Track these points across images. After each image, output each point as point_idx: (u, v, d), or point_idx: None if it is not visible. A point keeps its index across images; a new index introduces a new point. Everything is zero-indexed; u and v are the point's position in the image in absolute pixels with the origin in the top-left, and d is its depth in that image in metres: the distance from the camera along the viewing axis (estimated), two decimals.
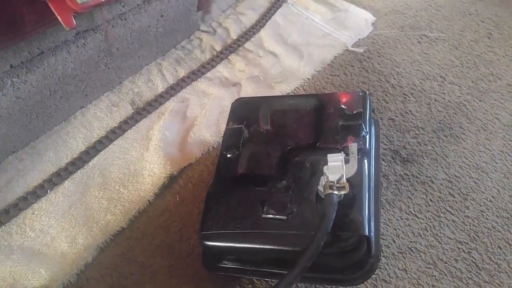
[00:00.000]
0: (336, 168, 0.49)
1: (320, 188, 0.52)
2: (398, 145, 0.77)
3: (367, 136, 0.59)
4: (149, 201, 0.73)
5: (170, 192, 0.74)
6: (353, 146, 0.52)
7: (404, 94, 0.87)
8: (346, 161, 0.51)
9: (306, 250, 0.45)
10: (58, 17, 0.60)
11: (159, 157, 0.77)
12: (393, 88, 0.88)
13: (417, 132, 0.79)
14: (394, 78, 0.90)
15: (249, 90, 0.90)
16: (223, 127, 0.83)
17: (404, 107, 0.84)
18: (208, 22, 1.06)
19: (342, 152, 0.51)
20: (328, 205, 0.47)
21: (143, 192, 0.73)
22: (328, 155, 0.51)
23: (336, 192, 0.48)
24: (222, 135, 0.80)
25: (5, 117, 0.71)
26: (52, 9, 0.60)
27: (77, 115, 0.85)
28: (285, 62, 0.97)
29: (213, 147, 0.80)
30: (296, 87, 0.91)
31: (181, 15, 0.96)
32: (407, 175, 0.73)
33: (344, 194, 0.49)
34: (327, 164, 0.51)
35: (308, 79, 0.92)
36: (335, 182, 0.49)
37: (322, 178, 0.52)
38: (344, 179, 0.49)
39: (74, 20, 0.62)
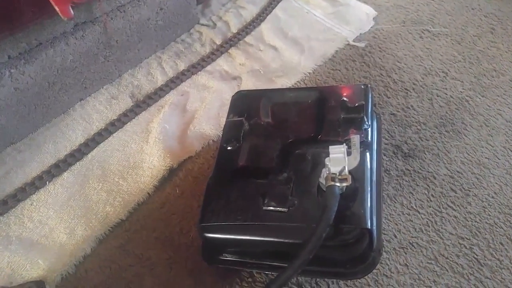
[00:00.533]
0: (338, 160, 0.49)
1: (322, 180, 0.51)
2: (399, 140, 0.77)
3: (369, 129, 0.59)
4: (148, 193, 0.72)
5: (170, 184, 0.74)
6: (355, 138, 0.51)
7: (405, 89, 0.86)
8: (348, 153, 0.50)
9: (307, 242, 0.44)
10: (56, 7, 0.59)
11: (159, 150, 0.76)
12: (395, 83, 0.88)
13: (419, 127, 0.79)
14: (396, 73, 0.90)
15: (249, 84, 0.90)
16: (223, 120, 0.82)
17: (406, 102, 0.84)
18: (208, 15, 1.05)
19: (344, 144, 0.51)
20: (330, 197, 0.47)
21: (143, 185, 0.72)
22: (330, 146, 0.50)
23: (338, 184, 0.48)
24: (222, 128, 0.81)
25: (4, 108, 0.71)
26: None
27: (76, 107, 0.84)
28: (286, 56, 0.96)
29: (213, 140, 0.80)
30: (297, 81, 0.90)
31: (181, 8, 0.95)
32: (408, 170, 0.72)
33: (346, 186, 0.49)
34: (328, 156, 0.51)
35: (309, 73, 0.92)
36: (337, 174, 0.48)
37: (323, 170, 0.52)
38: (346, 171, 0.48)
39: (71, 10, 0.61)
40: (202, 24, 1.03)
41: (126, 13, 0.81)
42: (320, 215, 0.46)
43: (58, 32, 0.72)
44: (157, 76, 0.91)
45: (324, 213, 0.45)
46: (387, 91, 0.86)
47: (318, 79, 0.91)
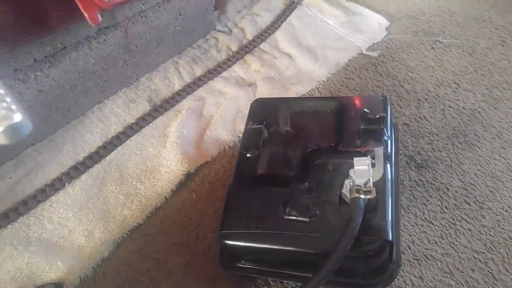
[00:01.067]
0: (362, 172, 0.49)
1: (345, 191, 0.52)
2: (412, 151, 0.77)
3: (389, 141, 0.59)
4: (165, 197, 0.73)
5: (187, 189, 0.74)
6: (379, 151, 0.52)
7: (418, 99, 0.87)
8: (372, 165, 0.51)
9: (332, 253, 0.45)
10: (85, 14, 0.61)
11: (176, 154, 0.77)
12: (407, 93, 0.89)
13: (432, 138, 0.79)
14: (408, 83, 0.90)
15: (264, 91, 0.91)
16: (239, 126, 0.83)
17: (419, 113, 0.84)
18: (224, 22, 1.06)
19: (369, 156, 0.52)
20: (355, 209, 0.48)
21: (160, 189, 0.73)
22: (354, 158, 0.51)
23: (362, 196, 0.48)
24: (238, 135, 0.82)
25: (27, 110, 0.71)
26: (79, 6, 0.60)
27: (94, 110, 0.85)
28: (300, 64, 0.97)
29: (229, 146, 0.81)
30: (311, 89, 0.91)
31: (199, 14, 0.96)
32: (421, 181, 0.73)
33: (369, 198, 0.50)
34: (352, 168, 0.51)
35: (323, 81, 0.93)
36: (362, 186, 0.49)
37: (346, 181, 0.52)
38: (371, 184, 0.49)
39: (100, 17, 0.62)
40: (218, 30, 1.04)
41: (146, 19, 0.82)
42: (345, 226, 0.47)
43: (82, 36, 0.74)
44: (174, 81, 0.92)
45: (349, 225, 0.46)
46: (400, 101, 0.87)
47: (332, 88, 0.92)
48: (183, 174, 0.75)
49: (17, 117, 0.39)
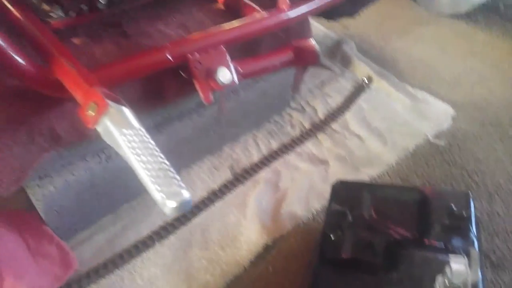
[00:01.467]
0: (460, 271, 0.51)
1: (439, 287, 0.53)
2: (486, 248, 0.76)
3: (476, 240, 0.61)
4: (244, 267, 0.76)
5: (264, 261, 0.77)
6: (475, 252, 0.54)
7: (489, 193, 0.87)
8: (469, 266, 0.53)
9: None
10: (201, 94, 0.69)
11: (255, 225, 0.81)
12: (477, 185, 0.89)
13: (507, 236, 0.78)
14: (477, 175, 0.91)
15: (336, 170, 0.95)
16: (312, 203, 0.87)
17: (490, 207, 0.84)
18: (298, 100, 1.14)
19: (465, 256, 0.53)
20: None
21: (240, 258, 0.77)
22: (451, 256, 0.53)
23: None
24: (312, 211, 0.85)
25: (128, 170, 0.79)
26: (197, 87, 0.69)
27: (182, 173, 0.92)
28: (370, 146, 1.01)
29: (303, 222, 0.84)
30: (381, 172, 0.94)
31: (278, 93, 1.05)
32: (499, 282, 0.71)
33: None
34: (444, 264, 0.53)
35: (393, 165, 0.96)
36: (460, 286, 0.50)
37: (439, 278, 0.54)
38: (469, 285, 0.50)
39: (212, 96, 0.70)
40: (292, 108, 1.12)
41: (238, 96, 0.92)
42: None
43: (186, 109, 0.83)
44: (253, 152, 0.98)
45: None
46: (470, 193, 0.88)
47: (401, 173, 0.94)
48: (262, 245, 0.78)
49: (186, 193, 0.45)
